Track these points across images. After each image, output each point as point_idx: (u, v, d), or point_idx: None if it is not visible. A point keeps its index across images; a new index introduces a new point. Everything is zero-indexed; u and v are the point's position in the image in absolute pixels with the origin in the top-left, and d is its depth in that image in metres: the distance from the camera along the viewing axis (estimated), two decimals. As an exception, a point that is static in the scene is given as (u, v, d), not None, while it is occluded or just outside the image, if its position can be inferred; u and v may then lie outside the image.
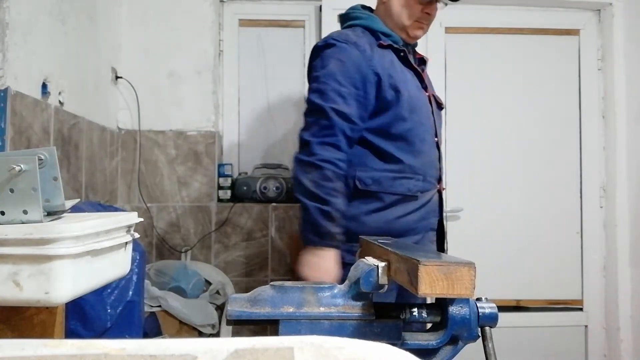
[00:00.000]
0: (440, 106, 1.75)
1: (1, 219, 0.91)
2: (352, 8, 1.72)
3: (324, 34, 2.64)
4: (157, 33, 2.50)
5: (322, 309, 0.92)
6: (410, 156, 1.55)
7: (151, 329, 2.02)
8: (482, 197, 2.68)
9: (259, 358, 0.43)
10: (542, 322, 2.66)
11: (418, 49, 2.87)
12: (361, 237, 1.31)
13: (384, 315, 0.93)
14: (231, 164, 2.59)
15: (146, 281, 2.05)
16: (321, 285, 0.96)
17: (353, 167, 1.53)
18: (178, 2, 2.52)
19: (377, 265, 0.92)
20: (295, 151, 1.51)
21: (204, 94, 2.53)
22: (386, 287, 0.92)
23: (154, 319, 2.06)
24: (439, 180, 1.66)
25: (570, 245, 2.70)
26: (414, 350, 0.74)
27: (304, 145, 1.47)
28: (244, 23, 2.71)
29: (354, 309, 0.93)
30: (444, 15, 2.76)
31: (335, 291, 0.95)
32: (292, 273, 2.47)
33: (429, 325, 0.97)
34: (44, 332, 1.06)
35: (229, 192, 2.54)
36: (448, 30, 2.76)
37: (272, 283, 0.97)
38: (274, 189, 2.50)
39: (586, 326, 2.69)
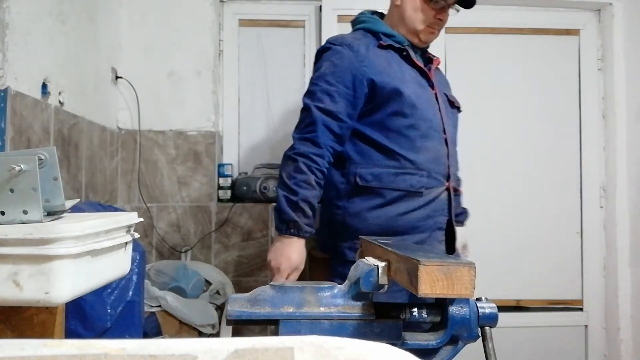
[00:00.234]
0: (452, 105, 1.77)
1: (1, 219, 0.91)
2: (361, 13, 1.79)
3: (324, 34, 2.65)
4: (157, 33, 2.50)
5: (322, 309, 0.92)
6: (412, 152, 1.56)
7: (151, 329, 2.02)
8: (481, 197, 2.67)
9: (259, 358, 0.43)
10: (542, 322, 2.66)
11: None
12: (361, 237, 1.31)
13: (384, 315, 0.93)
14: (231, 164, 2.59)
15: (146, 281, 2.05)
16: (321, 286, 0.96)
17: (354, 164, 1.57)
18: (178, 2, 2.51)
19: (377, 265, 0.92)
20: None
21: (204, 94, 2.53)
22: (386, 287, 0.92)
23: (154, 319, 2.05)
24: (449, 178, 1.65)
25: (570, 245, 2.70)
26: (414, 350, 0.74)
27: (293, 142, 1.59)
28: (244, 23, 2.71)
29: (354, 309, 0.93)
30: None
31: (335, 291, 0.95)
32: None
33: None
34: (44, 332, 1.06)
35: (229, 192, 2.54)
36: (448, 30, 2.76)
37: (272, 283, 0.97)
38: (274, 189, 2.49)
39: (586, 326, 2.69)
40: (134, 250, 1.34)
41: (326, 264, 2.43)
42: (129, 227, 1.09)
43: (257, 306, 0.92)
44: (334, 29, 2.66)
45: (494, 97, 2.74)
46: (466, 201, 2.68)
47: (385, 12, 1.79)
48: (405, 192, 1.55)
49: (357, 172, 1.56)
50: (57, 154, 0.94)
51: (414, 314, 0.92)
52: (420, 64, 1.69)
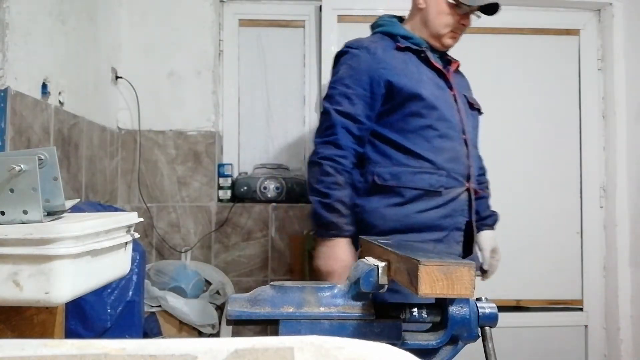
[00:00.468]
0: (472, 106, 1.76)
1: (1, 219, 0.91)
2: (380, 17, 1.81)
3: (324, 34, 2.65)
4: (157, 33, 2.50)
5: (322, 309, 0.92)
6: (430, 152, 1.57)
7: (151, 329, 2.02)
8: (482, 197, 2.68)
9: (259, 358, 0.43)
10: (542, 322, 2.66)
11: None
12: (361, 237, 1.31)
13: (384, 315, 0.93)
14: (231, 164, 2.59)
15: (146, 281, 2.05)
16: (321, 285, 0.96)
17: (372, 164, 1.58)
18: (178, 2, 2.51)
19: (377, 265, 0.92)
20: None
21: (204, 94, 2.53)
22: (386, 287, 0.92)
23: (154, 319, 2.06)
24: (469, 178, 1.65)
25: (570, 245, 2.70)
26: (414, 350, 0.74)
27: (314, 147, 1.59)
28: (244, 23, 2.71)
29: (354, 309, 0.93)
30: (444, 15, 2.76)
31: (335, 291, 0.95)
32: (292, 273, 2.48)
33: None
34: (44, 332, 1.06)
35: (229, 192, 2.54)
36: (448, 30, 2.76)
37: (272, 283, 0.97)
38: (274, 189, 2.50)
39: (586, 326, 2.69)
40: (134, 250, 1.34)
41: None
42: (129, 227, 1.09)
43: (257, 306, 0.92)
44: (334, 29, 2.67)
45: (494, 97, 2.74)
46: (466, 201, 2.69)
47: (402, 15, 1.80)
48: (424, 191, 1.55)
49: (375, 171, 1.57)
50: (57, 154, 0.94)
51: (414, 314, 0.92)
52: (439, 65, 1.69)
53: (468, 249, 1.68)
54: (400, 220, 1.53)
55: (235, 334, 2.20)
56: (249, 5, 2.69)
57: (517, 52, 2.74)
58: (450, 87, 1.69)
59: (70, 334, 1.44)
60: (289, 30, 2.73)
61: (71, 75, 1.93)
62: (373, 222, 1.54)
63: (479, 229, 1.75)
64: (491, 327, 0.92)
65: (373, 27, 1.80)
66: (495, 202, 2.68)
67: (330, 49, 2.66)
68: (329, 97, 1.61)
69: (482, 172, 1.85)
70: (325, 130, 1.57)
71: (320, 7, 2.66)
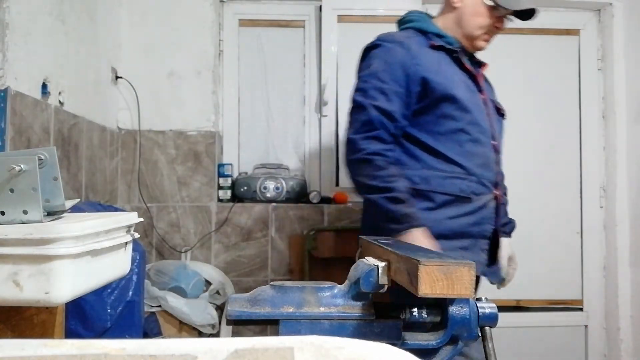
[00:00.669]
0: (499, 112, 1.72)
1: (1, 219, 0.91)
2: (409, 12, 1.73)
3: (324, 34, 2.65)
4: (157, 33, 2.50)
5: (322, 309, 0.92)
6: (462, 157, 1.52)
7: (151, 329, 2.02)
8: (482, 197, 2.68)
9: (259, 358, 0.43)
10: (542, 322, 2.66)
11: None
12: (361, 237, 1.30)
13: (384, 315, 0.93)
14: (231, 164, 2.59)
15: (146, 281, 2.05)
16: (321, 285, 0.96)
17: (402, 166, 1.51)
18: (178, 2, 2.51)
19: (377, 265, 0.92)
20: (345, 152, 1.52)
21: (204, 94, 2.53)
22: (386, 287, 0.92)
23: (154, 319, 2.06)
24: (497, 185, 1.60)
25: (570, 245, 2.70)
26: (414, 350, 0.74)
27: (350, 144, 1.50)
28: (244, 23, 2.71)
29: (354, 309, 0.93)
30: (444, 15, 2.76)
31: (335, 291, 0.95)
32: (292, 273, 2.48)
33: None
34: (44, 332, 1.06)
35: (229, 192, 2.54)
36: (448, 30, 2.76)
37: (272, 283, 0.97)
38: (274, 189, 2.50)
39: (586, 326, 2.69)
40: (134, 250, 1.34)
41: (326, 264, 2.44)
42: (129, 227, 1.09)
43: (257, 306, 0.92)
44: (334, 29, 2.67)
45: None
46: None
47: (422, 13, 1.74)
48: (454, 196, 1.49)
49: (404, 174, 1.49)
50: (57, 154, 0.94)
51: (414, 314, 0.92)
52: (470, 67, 1.64)
53: (492, 258, 1.62)
54: (431, 227, 1.43)
55: (235, 334, 2.20)
56: (249, 5, 2.69)
57: (517, 52, 2.74)
58: (480, 91, 1.64)
59: (70, 334, 1.44)
60: (289, 30, 2.73)
61: (71, 75, 1.93)
62: None
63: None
64: (491, 327, 0.92)
65: (401, 22, 1.71)
66: (495, 202, 2.69)
67: (330, 49, 2.66)
68: (362, 91, 1.51)
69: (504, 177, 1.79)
70: (364, 125, 1.48)
71: (320, 7, 2.66)
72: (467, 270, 0.81)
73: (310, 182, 2.65)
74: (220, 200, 2.53)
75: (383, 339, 0.91)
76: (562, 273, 2.68)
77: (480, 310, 0.91)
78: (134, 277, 1.69)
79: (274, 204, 2.51)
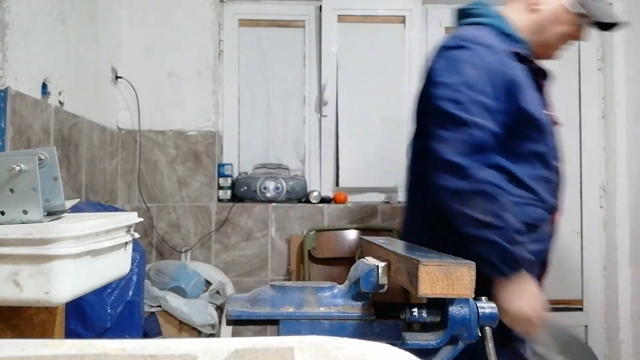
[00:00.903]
0: (555, 124, 1.55)
1: (1, 219, 0.91)
2: (476, 3, 1.48)
3: (324, 34, 2.65)
4: (157, 33, 2.50)
5: (322, 309, 0.92)
6: (535, 181, 1.38)
7: (151, 329, 2.02)
8: (482, 197, 2.68)
9: (259, 358, 0.43)
10: (542, 322, 2.65)
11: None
12: (361, 237, 1.30)
13: (384, 315, 0.93)
14: (231, 164, 2.59)
15: (146, 281, 2.05)
16: (321, 285, 0.96)
17: None
18: (178, 2, 2.52)
19: (377, 265, 0.92)
20: (439, 175, 1.27)
21: (204, 94, 2.53)
22: (386, 287, 0.92)
23: (154, 319, 2.06)
24: (556, 209, 1.49)
25: (570, 245, 2.70)
26: (414, 350, 0.74)
27: (457, 169, 1.24)
28: (244, 23, 2.71)
29: (354, 309, 0.92)
30: (444, 15, 2.76)
31: (335, 291, 0.95)
32: (292, 273, 2.48)
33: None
34: (44, 332, 1.06)
35: (229, 192, 2.54)
36: (448, 30, 2.76)
37: (272, 283, 0.97)
38: (274, 189, 2.50)
39: (586, 326, 2.69)
40: (134, 250, 1.34)
41: (326, 264, 2.44)
42: (129, 227, 1.09)
43: (257, 306, 0.92)
44: (334, 29, 2.67)
45: (494, 97, 2.74)
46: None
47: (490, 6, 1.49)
48: (526, 224, 1.33)
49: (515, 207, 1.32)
50: (57, 154, 0.94)
51: (414, 314, 0.92)
52: (541, 80, 1.47)
53: (540, 280, 1.47)
54: None
55: (235, 334, 2.20)
56: (249, 5, 2.69)
57: (517, 52, 2.74)
58: (547, 105, 1.46)
59: (70, 334, 1.44)
60: (289, 30, 2.73)
61: (71, 75, 1.93)
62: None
63: None
64: (491, 327, 0.91)
65: (466, 14, 1.48)
66: (495, 202, 2.69)
67: (330, 49, 2.66)
68: (458, 104, 1.27)
69: None
70: (471, 147, 1.25)
71: (320, 7, 2.66)
72: (467, 270, 0.81)
73: (310, 182, 2.65)
74: (220, 200, 2.53)
75: (383, 339, 0.91)
76: (562, 273, 2.68)
77: (480, 310, 0.91)
78: (134, 277, 1.69)
79: (274, 204, 2.51)
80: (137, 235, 1.11)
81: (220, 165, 2.55)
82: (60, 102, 1.83)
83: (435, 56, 1.40)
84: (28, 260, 0.85)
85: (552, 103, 1.56)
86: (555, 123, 1.53)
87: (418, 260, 0.80)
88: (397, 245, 1.04)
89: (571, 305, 2.70)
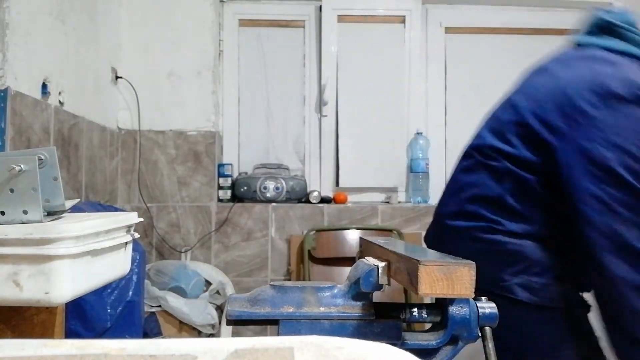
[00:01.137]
0: None
1: (1, 219, 0.91)
2: (626, 17, 1.18)
3: (324, 34, 2.65)
4: (157, 33, 2.50)
5: (322, 309, 0.92)
6: None
7: (151, 329, 2.02)
8: (482, 197, 2.68)
9: (259, 358, 0.43)
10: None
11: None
12: (361, 237, 1.30)
13: (384, 315, 0.93)
14: (231, 164, 2.60)
15: (146, 281, 2.05)
16: (321, 285, 0.96)
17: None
18: (178, 2, 2.52)
19: (377, 265, 0.92)
20: (617, 261, 1.03)
21: (204, 94, 2.53)
22: (385, 287, 0.92)
23: (154, 319, 2.06)
24: None
25: (570, 245, 2.69)
26: (414, 350, 0.74)
27: None
28: (244, 23, 2.71)
29: (354, 309, 0.92)
30: (444, 15, 2.76)
31: (335, 291, 0.95)
32: (292, 273, 2.48)
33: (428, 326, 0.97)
34: (44, 332, 1.06)
35: (229, 192, 2.54)
36: (448, 30, 2.76)
37: (272, 283, 0.97)
38: (274, 189, 2.50)
39: (586, 326, 2.68)
40: (134, 250, 1.34)
41: (326, 264, 2.44)
42: (129, 227, 1.09)
43: (257, 306, 0.92)
44: (334, 29, 2.67)
45: (494, 97, 2.73)
46: (466, 201, 2.69)
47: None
48: None
49: None
50: (57, 154, 0.94)
51: (414, 314, 0.92)
52: None
53: None
54: None
55: (235, 334, 2.20)
56: (249, 5, 2.69)
57: (517, 52, 2.74)
58: None
59: (70, 334, 1.44)
60: (289, 30, 2.73)
61: (71, 75, 1.93)
62: None
63: None
64: (491, 327, 0.91)
65: (610, 30, 1.20)
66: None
67: (330, 49, 2.67)
68: None
69: None
70: None
71: (320, 7, 2.66)
72: (467, 270, 0.81)
73: (310, 182, 2.65)
74: (220, 200, 2.53)
75: (383, 339, 0.91)
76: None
77: (480, 310, 0.91)
78: (134, 277, 1.69)
79: (274, 204, 2.51)
80: (137, 235, 1.11)
81: (220, 165, 2.55)
82: (60, 102, 1.83)
83: (599, 100, 1.08)
84: (28, 260, 0.85)
85: None
86: None
87: (418, 260, 0.80)
88: (397, 245, 1.04)
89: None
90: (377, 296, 0.95)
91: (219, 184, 2.53)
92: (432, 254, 0.98)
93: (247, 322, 0.94)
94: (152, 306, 2.06)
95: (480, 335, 0.92)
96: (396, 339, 0.91)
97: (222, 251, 2.50)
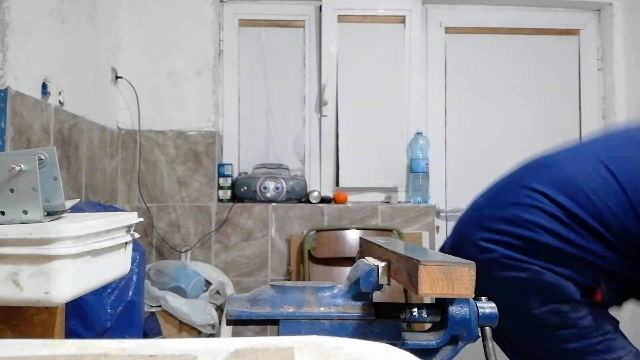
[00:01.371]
0: None
1: (1, 219, 0.91)
2: None
3: (324, 34, 2.65)
4: (157, 33, 2.50)
5: (322, 309, 0.92)
6: None
7: (151, 329, 2.02)
8: (482, 197, 2.68)
9: (259, 358, 0.43)
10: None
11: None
12: (361, 237, 1.30)
13: (384, 315, 0.93)
14: (231, 164, 2.60)
15: (146, 281, 2.05)
16: (321, 285, 0.96)
17: None
18: (178, 2, 2.52)
19: (377, 265, 0.92)
20: None
21: (204, 94, 2.53)
22: (385, 287, 0.92)
23: (154, 319, 2.06)
24: None
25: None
26: (414, 350, 0.74)
27: None
28: (244, 23, 2.71)
29: (354, 309, 0.92)
30: (444, 15, 2.76)
31: (335, 291, 0.95)
32: (292, 273, 2.48)
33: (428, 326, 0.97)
34: (44, 332, 1.06)
35: (229, 192, 2.54)
36: (448, 30, 2.76)
37: (272, 283, 0.97)
38: (274, 189, 2.50)
39: (586, 326, 2.68)
40: (134, 250, 1.34)
41: (326, 264, 2.44)
42: (129, 227, 1.09)
43: (257, 306, 0.92)
44: (334, 29, 2.67)
45: (494, 97, 2.74)
46: (466, 201, 2.69)
47: None
48: None
49: None
50: (57, 154, 0.94)
51: (414, 314, 0.92)
52: None
53: None
54: None
55: (235, 334, 2.20)
56: (249, 5, 2.69)
57: (517, 52, 2.74)
58: None
59: (70, 334, 1.44)
60: (289, 30, 2.73)
61: (71, 75, 1.93)
62: None
63: None
64: (491, 327, 0.91)
65: None
66: (495, 202, 2.69)
67: (330, 49, 2.67)
68: None
69: None
70: None
71: (320, 7, 2.66)
72: (467, 270, 0.81)
73: (310, 182, 2.65)
74: (220, 200, 2.53)
75: (383, 339, 0.91)
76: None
77: (480, 310, 0.91)
78: (134, 277, 1.69)
79: (274, 204, 2.51)
80: (137, 235, 1.11)
81: (220, 165, 2.55)
82: (60, 102, 1.83)
83: None
84: (28, 260, 0.85)
85: None
86: None
87: (418, 260, 0.80)
88: (397, 245, 1.04)
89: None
90: (377, 296, 0.95)
91: (219, 184, 2.53)
92: (432, 253, 0.98)
93: (247, 322, 0.94)
94: (152, 306, 2.06)
95: (480, 335, 0.92)
96: (396, 339, 0.91)
97: (222, 251, 2.50)
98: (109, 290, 1.62)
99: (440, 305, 0.93)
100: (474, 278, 0.81)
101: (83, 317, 1.51)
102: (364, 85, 2.67)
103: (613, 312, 1.24)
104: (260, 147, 2.71)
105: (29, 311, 1.04)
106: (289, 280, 2.46)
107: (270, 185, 2.50)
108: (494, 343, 0.91)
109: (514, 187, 1.23)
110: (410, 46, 2.68)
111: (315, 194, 2.53)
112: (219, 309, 2.23)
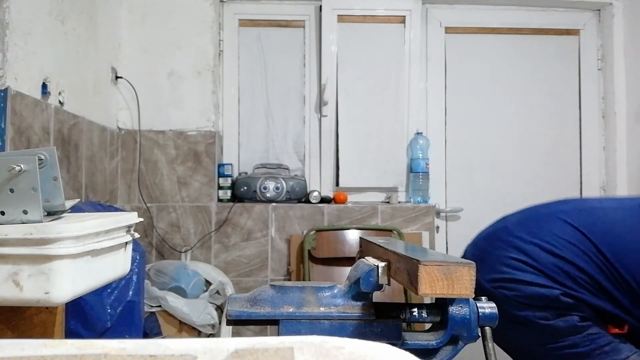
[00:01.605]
0: None
1: (1, 219, 0.91)
2: None
3: (324, 34, 2.65)
4: (157, 33, 2.50)
5: (322, 309, 0.92)
6: None
7: (151, 329, 2.02)
8: (482, 197, 2.68)
9: (259, 358, 0.43)
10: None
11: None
12: (361, 237, 1.30)
13: (384, 315, 0.93)
14: (231, 164, 2.60)
15: (146, 281, 2.05)
16: (321, 285, 0.96)
17: None
18: (178, 2, 2.52)
19: (377, 265, 0.92)
20: None
21: (204, 94, 2.53)
22: (385, 287, 0.92)
23: (154, 319, 2.06)
24: None
25: (570, 245, 2.69)
26: (414, 350, 0.74)
27: None
28: (244, 23, 2.71)
29: (354, 309, 0.92)
30: (444, 15, 2.76)
31: (335, 291, 0.95)
32: (292, 273, 2.48)
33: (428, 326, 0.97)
34: (44, 332, 1.06)
35: (229, 192, 2.54)
36: (448, 30, 2.76)
37: (272, 283, 0.97)
38: (274, 189, 2.50)
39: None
40: (134, 250, 1.34)
41: (326, 264, 2.44)
42: (129, 227, 1.09)
43: (257, 306, 0.92)
44: (334, 29, 2.67)
45: (494, 97, 2.74)
46: (466, 201, 2.69)
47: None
48: None
49: None
50: (57, 154, 0.94)
51: (414, 314, 0.92)
52: None
53: None
54: None
55: (235, 334, 2.20)
56: (249, 5, 2.69)
57: (517, 52, 2.74)
58: None
59: (70, 334, 1.43)
60: (289, 30, 2.73)
61: (71, 75, 1.93)
62: None
63: None
64: (491, 327, 0.91)
65: None
66: (495, 202, 2.69)
67: (330, 49, 2.66)
68: None
69: None
70: None
71: (320, 7, 2.66)
72: (467, 270, 0.81)
73: (310, 182, 2.65)
74: (220, 200, 2.53)
75: (383, 339, 0.91)
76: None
77: (480, 310, 0.91)
78: (134, 277, 1.69)
79: (274, 204, 2.51)
80: (137, 235, 1.11)
81: (220, 165, 2.55)
82: (60, 102, 1.83)
83: None
84: (28, 260, 0.85)
85: None
86: None
87: (418, 260, 0.80)
88: (397, 245, 1.04)
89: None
90: (377, 296, 0.95)
91: (219, 184, 2.53)
92: (432, 253, 0.98)
93: (247, 322, 0.94)
94: (152, 306, 2.06)
95: (480, 335, 0.92)
96: (396, 339, 0.91)
97: (222, 251, 2.50)
98: (109, 290, 1.62)
99: (440, 305, 0.93)
100: (474, 278, 0.81)
101: (83, 317, 1.51)
102: (363, 85, 2.67)
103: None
104: (260, 147, 2.71)
105: (29, 311, 1.04)
106: (289, 280, 2.46)
107: (270, 185, 2.50)
108: (494, 343, 0.91)
109: (555, 219, 1.26)
110: (410, 46, 2.68)
111: (315, 194, 2.53)
112: (219, 309, 2.23)
